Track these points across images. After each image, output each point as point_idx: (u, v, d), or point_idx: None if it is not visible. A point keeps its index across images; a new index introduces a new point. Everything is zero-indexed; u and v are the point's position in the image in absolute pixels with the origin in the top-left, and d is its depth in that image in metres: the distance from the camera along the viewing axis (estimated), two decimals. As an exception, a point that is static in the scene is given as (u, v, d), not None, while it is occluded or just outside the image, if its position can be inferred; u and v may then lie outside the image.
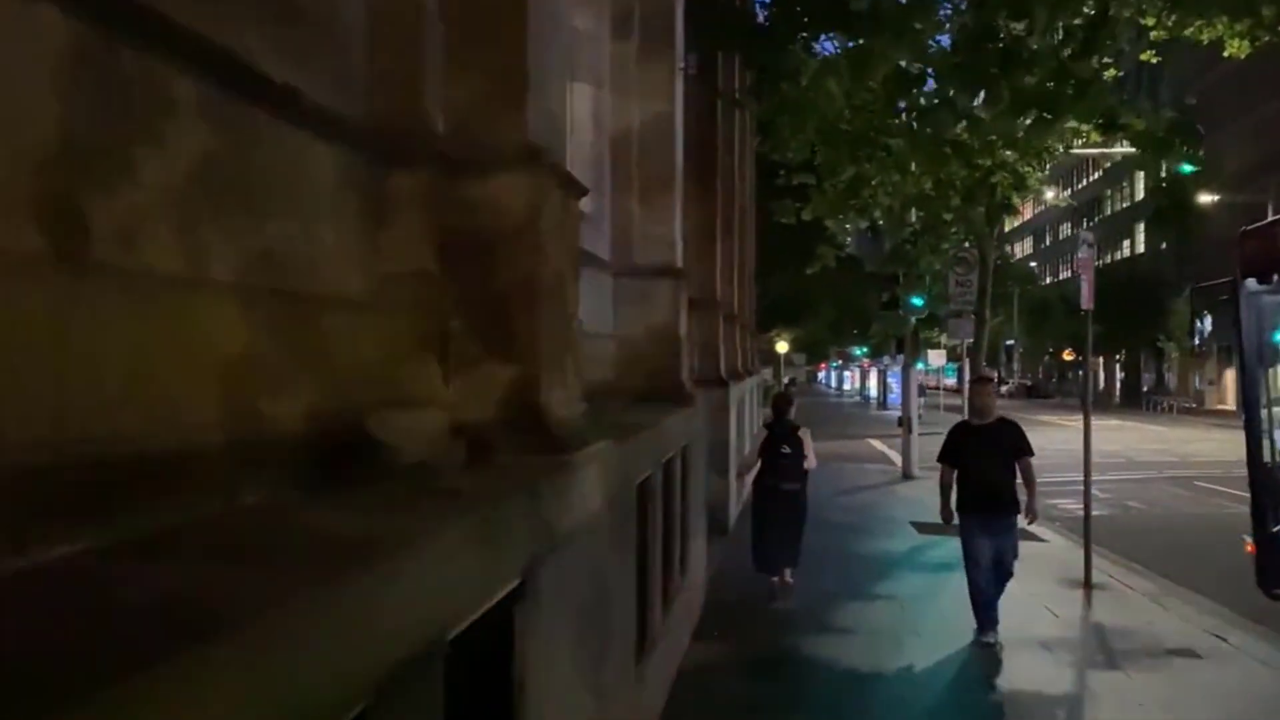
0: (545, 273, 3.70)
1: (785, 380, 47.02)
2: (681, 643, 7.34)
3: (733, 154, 16.50)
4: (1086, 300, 10.80)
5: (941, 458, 9.10)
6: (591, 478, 3.85)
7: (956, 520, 8.86)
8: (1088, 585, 10.67)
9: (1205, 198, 42.28)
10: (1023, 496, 8.68)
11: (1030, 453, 8.61)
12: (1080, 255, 11.47)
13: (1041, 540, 13.75)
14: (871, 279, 57.37)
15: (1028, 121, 10.41)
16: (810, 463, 10.08)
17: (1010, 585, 8.78)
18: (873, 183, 15.02)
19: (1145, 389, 64.01)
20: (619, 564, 4.61)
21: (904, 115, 12.26)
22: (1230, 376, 56.08)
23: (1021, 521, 8.81)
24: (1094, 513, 18.42)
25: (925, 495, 19.05)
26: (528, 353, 3.62)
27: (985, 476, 8.43)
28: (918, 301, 21.60)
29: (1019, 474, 8.54)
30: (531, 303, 3.63)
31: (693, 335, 12.47)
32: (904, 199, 14.78)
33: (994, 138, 12.68)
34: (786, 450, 9.89)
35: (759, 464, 10.13)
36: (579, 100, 7.54)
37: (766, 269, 49.10)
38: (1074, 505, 18.78)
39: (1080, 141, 15.39)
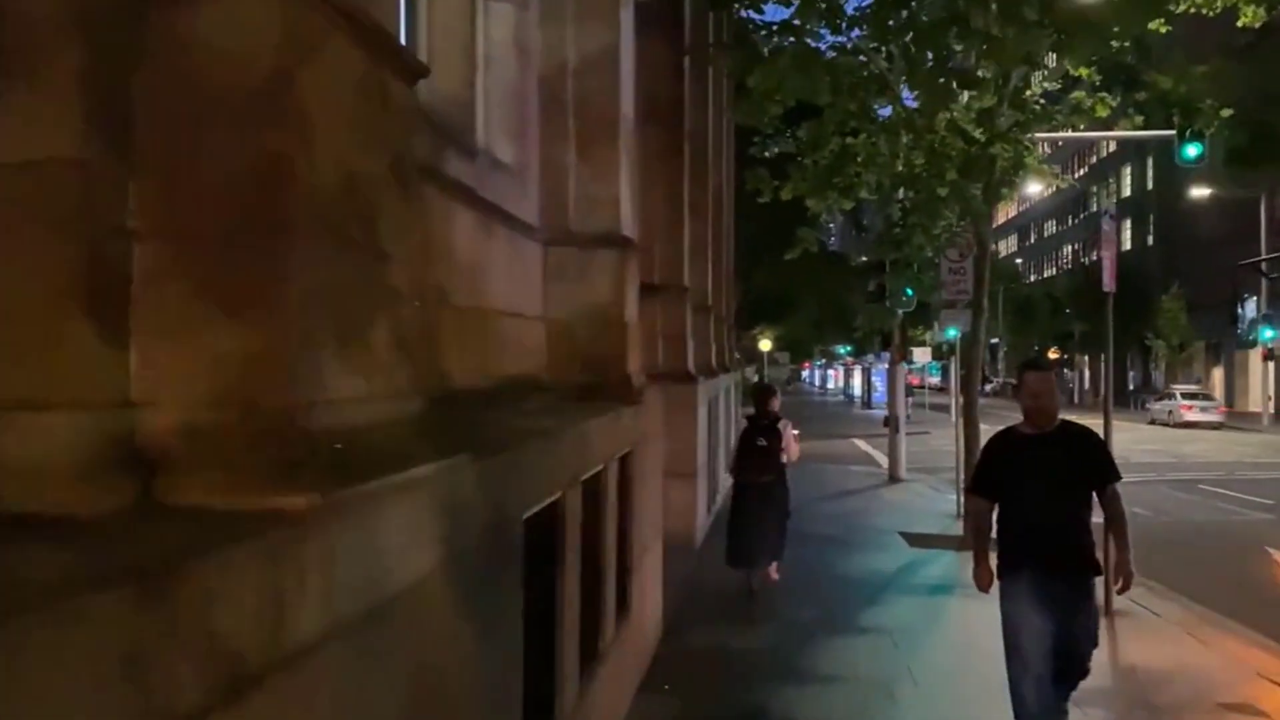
0: (312, 170, 2.13)
1: (759, 378, 45.47)
2: (619, 706, 5.76)
3: (705, 118, 14.92)
4: (1109, 282, 9.32)
5: (974, 485, 5.86)
6: (398, 523, 2.27)
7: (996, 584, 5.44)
8: (1109, 612, 9.14)
9: (1198, 191, 40.94)
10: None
11: (1117, 476, 5.62)
12: (1104, 228, 10.05)
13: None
14: (855, 274, 56.16)
15: (1043, 38, 8.96)
16: (789, 456, 9.70)
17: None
18: (858, 159, 13.47)
19: (1132, 388, 62.78)
20: (480, 640, 3.01)
21: (894, 47, 10.73)
22: (1219, 375, 54.91)
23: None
24: (1094, 519, 16.92)
25: (914, 500, 17.61)
26: (270, 311, 2.04)
27: (1045, 515, 5.30)
28: (907, 292, 20.09)
29: (1097, 511, 5.50)
30: (278, 219, 2.05)
31: (655, 323, 10.93)
32: (893, 175, 13.22)
33: (994, 102, 11.19)
34: (763, 443, 9.54)
35: (737, 457, 9.89)
36: (496, 23, 5.96)
37: (747, 261, 47.79)
38: None
39: (1081, 127, 13.99)
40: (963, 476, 15.44)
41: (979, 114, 11.99)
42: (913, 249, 13.95)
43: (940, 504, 16.92)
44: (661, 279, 11.15)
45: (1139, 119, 11.86)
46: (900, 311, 19.74)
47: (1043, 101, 12.54)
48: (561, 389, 6.31)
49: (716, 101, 17.17)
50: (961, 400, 16.28)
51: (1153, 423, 41.36)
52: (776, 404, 9.86)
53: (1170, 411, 40.23)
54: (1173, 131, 21.22)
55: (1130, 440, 32.45)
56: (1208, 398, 42.14)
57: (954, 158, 11.71)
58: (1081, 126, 13.23)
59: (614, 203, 6.86)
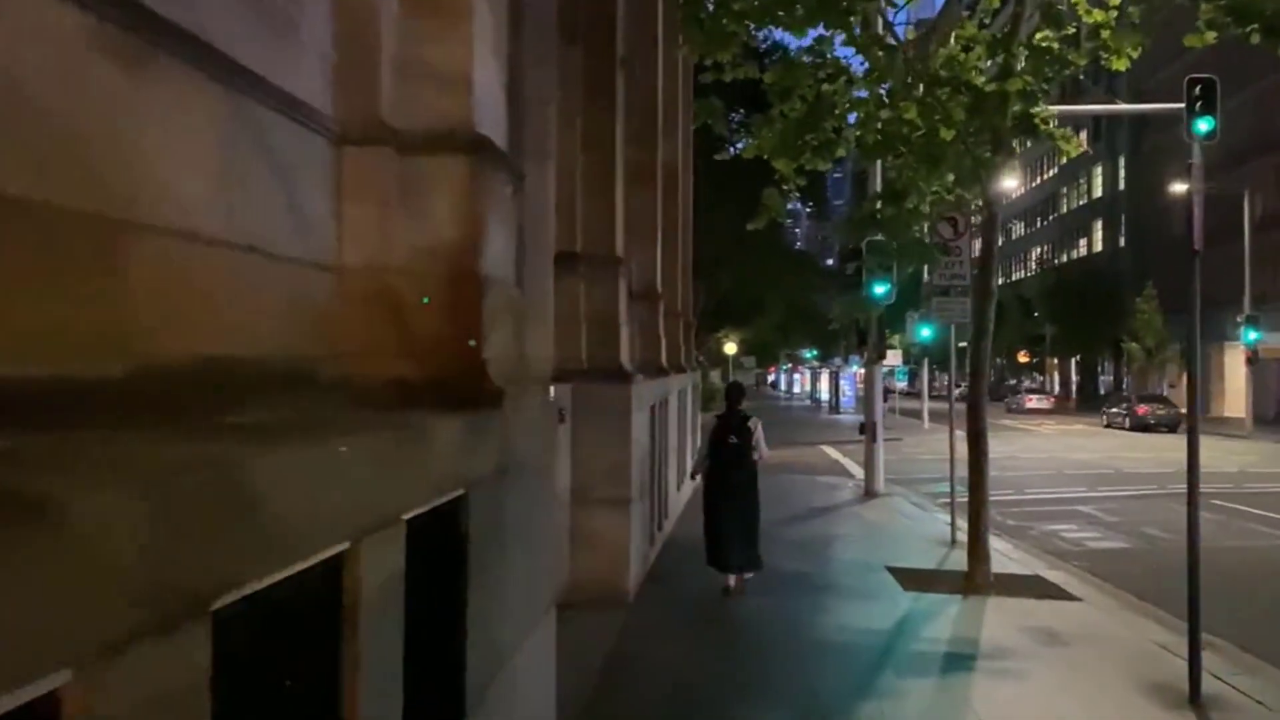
0: None
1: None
2: None
3: (651, 56, 12.22)
4: (1198, 239, 6.78)
5: None
6: None
7: None
8: (1195, 698, 6.52)
9: (1178, 187, 38.79)
10: None
11: None
12: (1193, 166, 7.57)
13: (1069, 597, 9.62)
14: (823, 276, 53.79)
15: None
16: (760, 454, 9.46)
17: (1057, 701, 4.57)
18: (835, 111, 10.86)
19: (1103, 392, 60.83)
20: None
21: None
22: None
23: None
24: (1107, 544, 14.51)
25: (898, 521, 15.02)
26: None
27: None
28: (883, 287, 17.51)
29: None
30: None
31: (577, 303, 8.28)
32: (877, 133, 10.61)
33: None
34: (733, 440, 9.27)
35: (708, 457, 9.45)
36: None
37: (712, 260, 45.32)
38: (1076, 532, 14.82)
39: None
40: (955, 494, 12.91)
41: (989, 45, 9.42)
42: (901, 220, 11.29)
43: (929, 526, 14.31)
44: (586, 247, 8.49)
45: (1209, 35, 9.32)
46: (878, 305, 17.15)
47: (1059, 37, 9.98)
48: (364, 382, 3.62)
49: (669, 56, 14.52)
50: (949, 406, 13.68)
51: (1108, 425, 41.80)
52: (744, 401, 9.76)
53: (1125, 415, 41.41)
54: (1181, 105, 18.97)
55: (1114, 446, 30.18)
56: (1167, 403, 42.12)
57: (952, 104, 9.13)
58: (1105, 62, 10.58)
59: (464, 80, 4.12)
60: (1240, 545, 13.20)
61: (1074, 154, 12.69)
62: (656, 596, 8.57)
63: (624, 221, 10.94)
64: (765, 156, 11.38)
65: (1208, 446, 30.00)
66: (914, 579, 10.03)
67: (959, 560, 11.24)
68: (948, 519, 15.05)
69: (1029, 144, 47.76)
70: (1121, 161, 58.76)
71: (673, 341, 16.00)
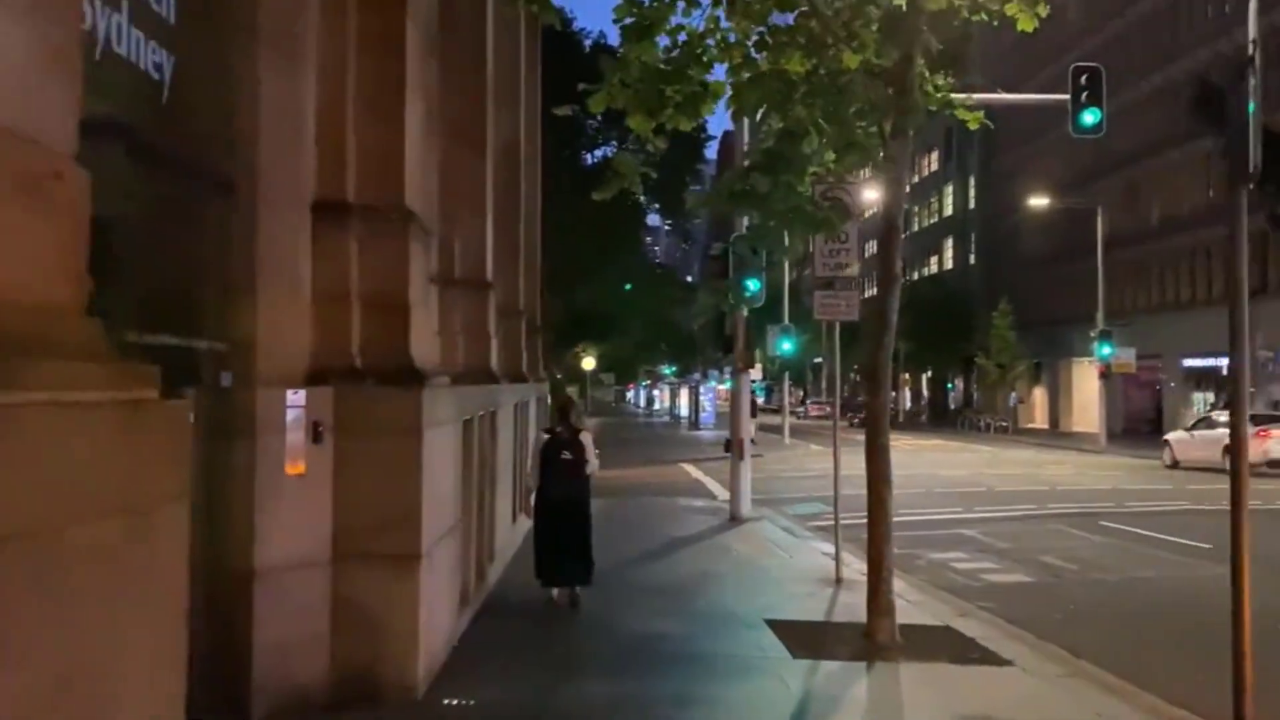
0: None
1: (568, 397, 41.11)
2: None
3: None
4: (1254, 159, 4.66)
5: None
6: None
7: None
8: None
9: (1035, 201, 38.45)
10: None
11: None
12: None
13: (997, 659, 7.50)
14: (683, 290, 52.06)
15: None
16: (592, 468, 9.17)
17: None
18: (703, 57, 8.58)
19: (952, 406, 60.98)
20: None
21: None
22: (1039, 394, 53.28)
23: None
24: (1008, 578, 12.53)
25: (771, 554, 12.56)
26: None
27: None
28: (753, 284, 15.41)
29: None
30: None
31: (347, 277, 5.73)
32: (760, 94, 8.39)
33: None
34: (567, 456, 8.97)
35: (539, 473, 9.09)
36: None
37: (570, 275, 43.06)
38: (969, 561, 12.76)
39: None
40: (840, 519, 10.79)
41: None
42: (778, 194, 9.04)
43: (807, 558, 12.16)
44: (362, 194, 5.93)
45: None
46: (751, 298, 15.03)
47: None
48: None
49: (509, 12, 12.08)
50: (834, 420, 11.56)
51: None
52: (574, 415, 9.53)
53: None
54: (1067, 97, 17.59)
55: (979, 462, 28.97)
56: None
57: (859, 23, 6.95)
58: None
59: None
60: (1157, 576, 11.44)
61: (974, 126, 10.76)
62: (462, 686, 6.03)
63: (438, 181, 8.45)
64: (620, 109, 9.03)
65: (1069, 463, 28.92)
66: (803, 638, 7.77)
67: (850, 605, 9.08)
68: (826, 548, 12.96)
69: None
70: (972, 181, 59.07)
71: (511, 344, 13.50)
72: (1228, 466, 5.51)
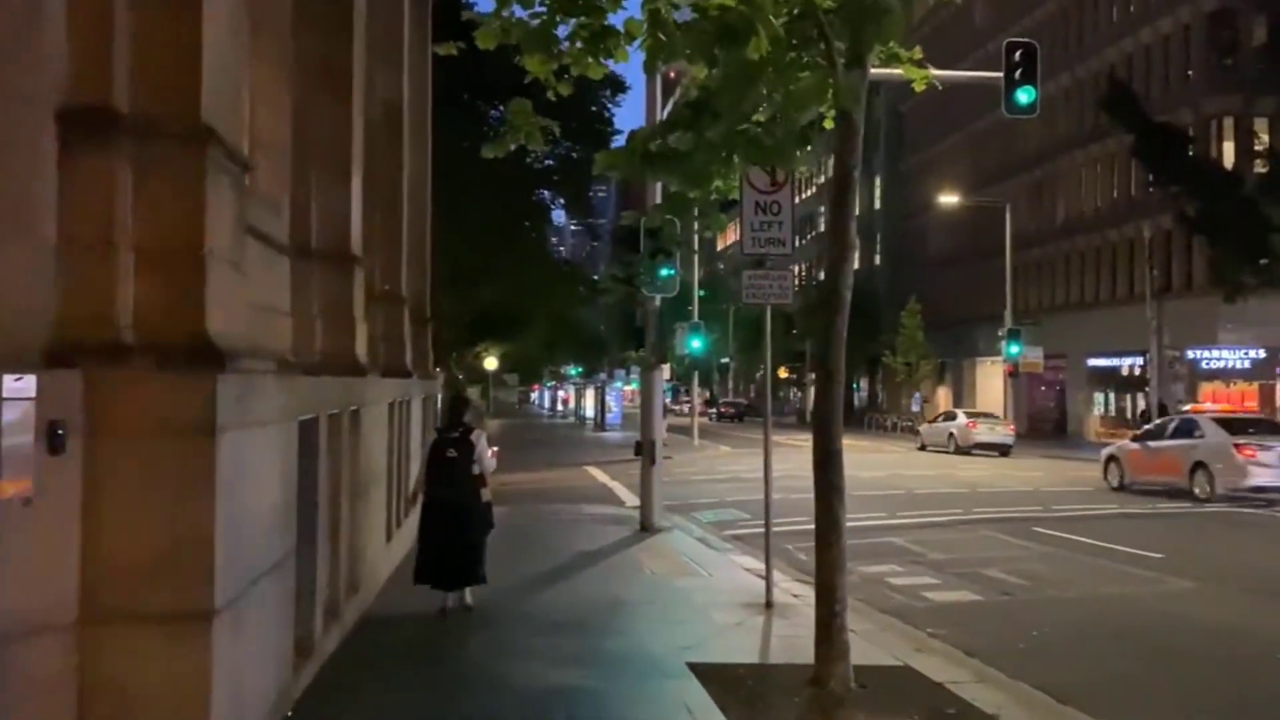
0: None
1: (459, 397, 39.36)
2: None
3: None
4: None
5: None
6: None
7: None
8: None
9: (945, 199, 37.87)
10: None
11: None
12: None
13: (979, 714, 6.04)
14: (590, 288, 50.42)
15: None
16: (483, 468, 8.59)
17: None
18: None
19: (858, 405, 60.59)
20: None
21: None
22: (943, 394, 53.07)
23: None
24: (952, 596, 11.14)
25: (689, 572, 10.74)
26: None
27: None
28: (666, 271, 13.90)
29: None
30: None
31: (125, 224, 3.93)
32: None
33: None
34: (452, 454, 8.47)
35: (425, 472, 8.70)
36: None
37: (473, 269, 41.08)
38: (905, 576, 11.10)
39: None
40: (771, 530, 9.31)
41: None
42: (702, 153, 7.50)
43: (729, 576, 10.67)
44: (140, 104, 4.17)
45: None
46: (657, 290, 13.50)
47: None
48: None
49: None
50: (766, 419, 10.03)
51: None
52: (468, 414, 9.07)
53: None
54: (1000, 75, 16.48)
55: (893, 463, 27.86)
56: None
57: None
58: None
59: None
60: (1120, 594, 10.19)
61: (921, 88, 9.39)
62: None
63: (290, 131, 6.72)
64: (514, 44, 7.41)
65: (983, 463, 27.93)
66: (737, 689, 6.21)
67: (788, 639, 7.61)
68: (748, 562, 11.49)
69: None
70: (878, 181, 58.79)
71: (393, 335, 11.72)
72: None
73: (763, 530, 9.41)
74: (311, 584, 6.19)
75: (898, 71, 9.22)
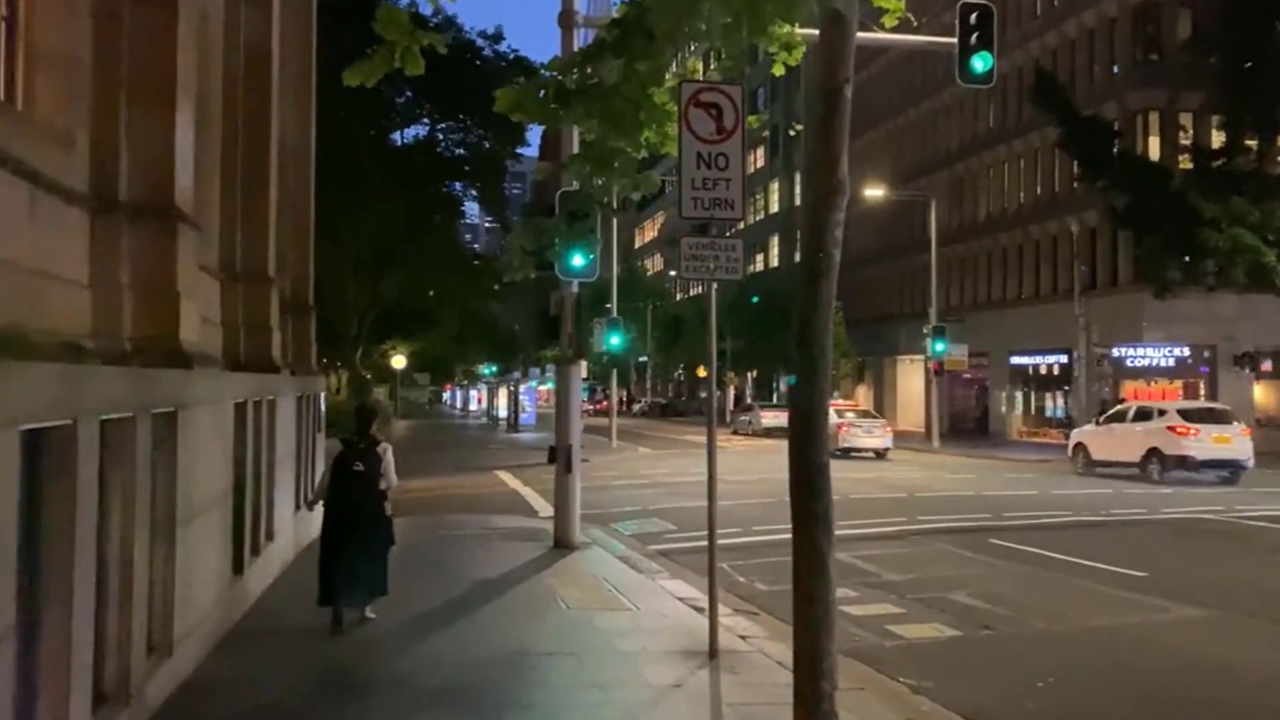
0: None
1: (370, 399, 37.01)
2: None
3: None
4: None
5: None
6: None
7: None
8: None
9: (870, 192, 36.66)
10: None
11: None
12: None
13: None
14: (503, 284, 48.18)
15: None
16: (389, 483, 8.44)
17: None
18: None
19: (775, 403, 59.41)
20: None
21: None
22: (862, 392, 52.12)
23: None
24: (924, 631, 8.97)
25: (615, 605, 8.70)
26: None
27: None
28: (583, 255, 12.03)
29: None
30: None
31: None
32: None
33: None
34: (359, 467, 8.27)
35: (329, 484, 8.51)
36: None
37: (379, 262, 38.55)
38: (863, 602, 8.94)
39: None
40: (689, 542, 7.49)
41: None
42: (632, 89, 5.70)
43: (660, 607, 8.85)
44: None
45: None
46: (574, 275, 11.64)
47: None
48: None
49: None
50: (710, 418, 8.17)
51: (735, 433, 41.76)
52: (375, 425, 8.77)
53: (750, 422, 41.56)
54: (954, 40, 15.02)
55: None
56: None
57: None
58: None
59: None
60: (1116, 625, 8.63)
61: (892, 22, 7.68)
62: None
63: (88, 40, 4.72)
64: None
65: (911, 463, 26.41)
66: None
67: (742, 706, 5.86)
68: (679, 589, 9.72)
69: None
70: (798, 178, 57.70)
71: (255, 320, 9.67)
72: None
73: (692, 545, 7.68)
74: (66, 660, 4.20)
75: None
